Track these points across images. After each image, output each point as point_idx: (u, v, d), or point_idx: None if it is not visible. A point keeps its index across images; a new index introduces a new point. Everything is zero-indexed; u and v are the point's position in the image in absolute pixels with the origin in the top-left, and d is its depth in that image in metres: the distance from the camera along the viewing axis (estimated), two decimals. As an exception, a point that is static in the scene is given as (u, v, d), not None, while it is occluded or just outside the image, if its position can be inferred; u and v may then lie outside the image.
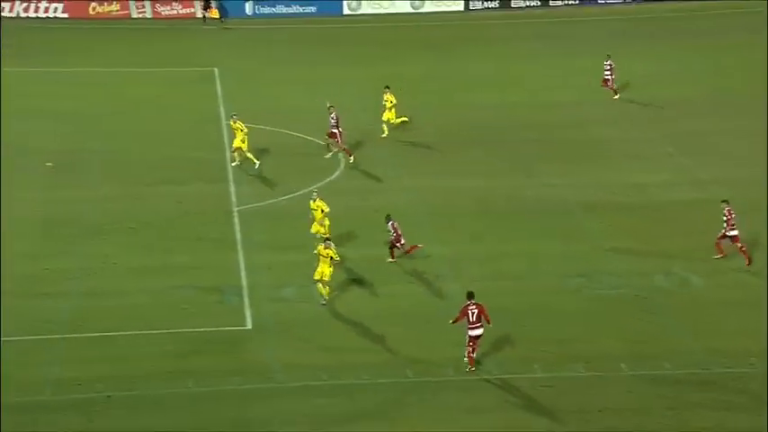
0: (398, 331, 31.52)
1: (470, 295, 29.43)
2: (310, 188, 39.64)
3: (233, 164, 43.90)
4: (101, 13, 72.82)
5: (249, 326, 31.91)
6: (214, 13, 72.24)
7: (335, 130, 44.09)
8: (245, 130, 43.53)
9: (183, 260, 35.93)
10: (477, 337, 29.18)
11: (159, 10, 73.96)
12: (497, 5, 75.55)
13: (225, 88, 56.24)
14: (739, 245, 35.27)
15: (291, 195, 41.21)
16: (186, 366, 29.63)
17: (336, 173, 41.67)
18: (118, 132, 47.85)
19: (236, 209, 40.21)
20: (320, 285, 32.78)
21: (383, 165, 43.95)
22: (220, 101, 53.91)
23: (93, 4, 72.68)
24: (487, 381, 29.10)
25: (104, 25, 70.92)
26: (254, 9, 75.15)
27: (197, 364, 29.76)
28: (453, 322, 29.53)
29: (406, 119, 47.17)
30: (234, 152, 43.85)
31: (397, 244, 35.40)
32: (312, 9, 75.27)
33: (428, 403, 28.19)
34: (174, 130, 48.72)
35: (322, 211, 36.31)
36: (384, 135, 46.94)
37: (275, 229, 38.45)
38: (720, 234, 35.26)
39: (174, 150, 46.17)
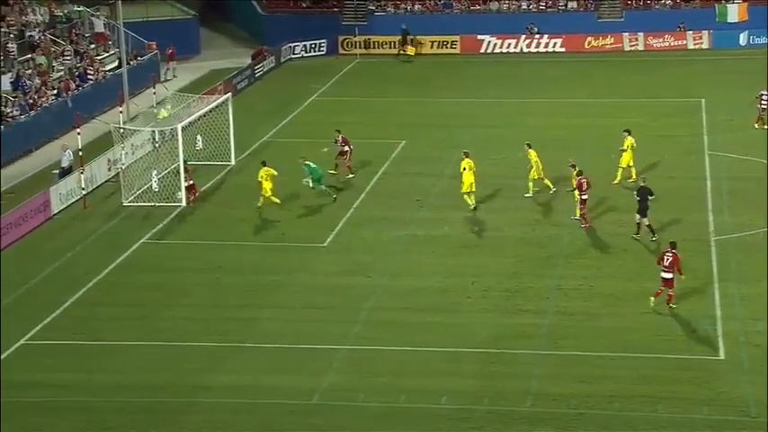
0: None
1: (673, 245, 34.14)
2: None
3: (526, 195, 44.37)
4: (595, 46, 75.00)
5: (722, 356, 31.49)
6: (411, 51, 73.14)
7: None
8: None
9: (657, 287, 36.09)
10: (666, 280, 33.80)
11: (651, 42, 74.78)
12: None
13: (710, 119, 55.88)
14: None
15: (772, 227, 40.50)
16: (657, 391, 29.64)
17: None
18: (595, 160, 47.97)
19: (713, 238, 39.99)
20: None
21: None
22: (705, 131, 53.67)
23: (589, 38, 74.93)
24: None
25: (598, 58, 72.93)
26: (748, 39, 73.85)
27: (667, 390, 29.68)
28: (658, 263, 34.15)
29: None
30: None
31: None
32: (812, 37, 73.03)
33: None
34: (655, 160, 48.76)
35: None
36: (616, 182, 45.40)
37: (752, 261, 37.76)
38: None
39: (658, 178, 46.39)
